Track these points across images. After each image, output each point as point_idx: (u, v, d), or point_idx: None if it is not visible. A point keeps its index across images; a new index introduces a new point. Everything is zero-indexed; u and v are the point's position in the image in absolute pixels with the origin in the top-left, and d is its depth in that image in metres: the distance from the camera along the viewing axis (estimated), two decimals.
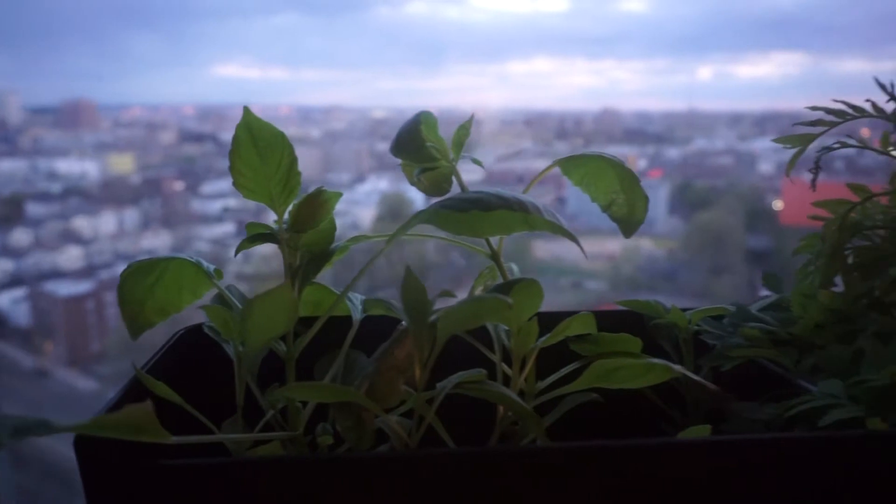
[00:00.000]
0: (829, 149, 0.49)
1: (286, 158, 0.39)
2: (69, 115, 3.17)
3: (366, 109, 3.72)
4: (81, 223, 3.19)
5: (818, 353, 0.43)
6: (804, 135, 0.47)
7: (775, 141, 0.48)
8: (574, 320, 0.45)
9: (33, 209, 3.01)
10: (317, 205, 0.41)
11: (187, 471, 0.30)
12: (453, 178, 0.46)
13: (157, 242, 3.29)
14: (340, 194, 0.43)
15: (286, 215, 0.41)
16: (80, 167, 3.24)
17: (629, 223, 0.50)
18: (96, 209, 3.14)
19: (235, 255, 0.43)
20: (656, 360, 0.37)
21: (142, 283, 0.43)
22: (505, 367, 0.44)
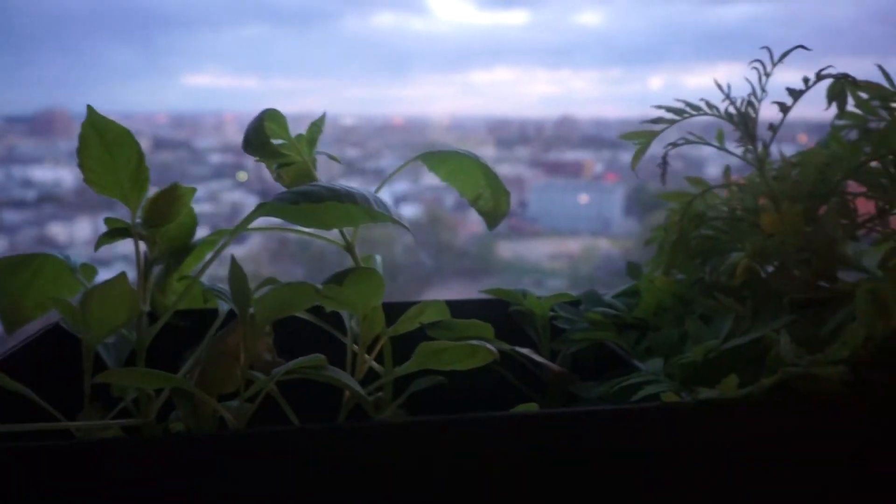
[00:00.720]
0: (673, 144, 0.52)
1: (134, 154, 0.42)
2: (43, 124, 3.18)
3: (335, 117, 3.75)
4: (56, 230, 3.20)
5: (650, 335, 0.46)
6: (647, 132, 0.50)
7: (621, 137, 0.51)
8: (428, 307, 0.48)
9: (8, 216, 3.02)
10: (171, 199, 0.44)
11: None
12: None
13: (132, 248, 3.28)
14: (195, 189, 0.46)
15: (140, 210, 0.44)
16: (55, 175, 3.25)
17: (494, 216, 0.53)
18: (71, 216, 3.15)
19: (95, 249, 0.46)
20: (479, 343, 0.40)
21: (16, 280, 0.46)
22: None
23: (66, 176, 3.13)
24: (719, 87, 0.51)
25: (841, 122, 0.54)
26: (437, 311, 0.48)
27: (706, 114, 0.51)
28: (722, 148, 0.52)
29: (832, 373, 0.35)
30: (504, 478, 0.35)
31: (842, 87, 0.50)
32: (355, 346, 0.46)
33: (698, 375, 0.40)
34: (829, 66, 0.49)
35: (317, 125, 0.47)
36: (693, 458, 0.36)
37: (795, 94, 0.50)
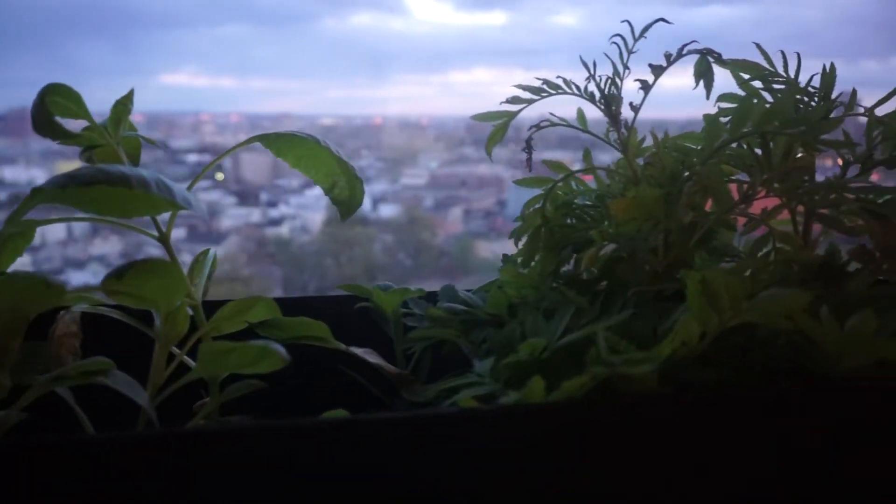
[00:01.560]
0: (537, 127, 0.48)
1: None
2: (16, 124, 3.15)
3: (315, 117, 3.74)
4: None
5: (491, 332, 0.42)
6: (502, 111, 0.46)
7: (473, 118, 0.47)
8: (254, 304, 0.44)
9: None
10: None
11: None
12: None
13: (108, 248, 3.27)
14: None
15: None
16: (28, 175, 3.21)
17: (350, 206, 0.50)
18: (44, 217, 3.11)
19: None
20: (269, 345, 0.36)
21: None
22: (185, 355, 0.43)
23: (39, 176, 3.10)
24: (585, 65, 0.47)
25: (726, 105, 0.50)
26: (265, 309, 0.44)
27: (566, 93, 0.47)
28: (586, 130, 0.48)
29: (642, 373, 0.32)
30: (285, 489, 0.32)
31: (707, 63, 0.46)
32: (176, 349, 0.43)
33: (526, 376, 0.37)
34: (693, 42, 0.46)
35: (122, 104, 0.44)
36: (489, 469, 0.32)
37: (657, 71, 0.46)
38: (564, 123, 0.48)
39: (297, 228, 3.82)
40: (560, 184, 0.47)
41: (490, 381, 0.37)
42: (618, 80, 0.46)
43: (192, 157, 4.20)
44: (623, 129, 0.46)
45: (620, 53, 0.46)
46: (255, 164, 3.78)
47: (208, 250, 0.49)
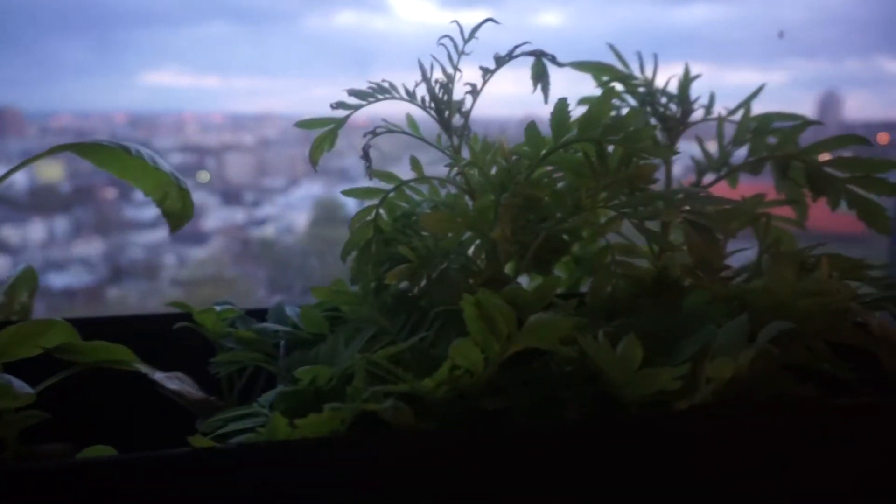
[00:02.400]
0: (373, 133, 0.46)
1: None
2: None
3: (298, 116, 3.69)
4: (9, 232, 3.17)
5: (294, 355, 0.40)
6: (328, 118, 0.44)
7: (296, 125, 0.45)
8: (49, 328, 0.41)
9: None
10: None
11: None
12: None
13: (90, 250, 3.27)
14: None
15: None
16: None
17: (181, 218, 0.48)
18: (25, 218, 3.12)
19: None
20: (14, 383, 0.34)
21: None
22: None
23: (18, 177, 3.09)
24: (421, 67, 0.44)
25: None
26: (62, 333, 0.42)
27: (397, 97, 0.45)
28: (420, 137, 0.45)
29: (382, 409, 0.29)
30: None
31: (543, 66, 0.43)
32: None
33: (307, 407, 0.34)
34: (526, 43, 0.43)
35: None
36: None
37: (486, 73, 0.43)
38: (398, 129, 0.45)
39: (283, 229, 3.81)
40: (392, 194, 0.44)
41: (265, 413, 0.34)
42: (452, 84, 0.43)
43: (176, 158, 4.17)
44: (456, 136, 0.44)
45: (450, 56, 0.43)
46: (240, 164, 3.77)
47: (29, 267, 0.46)
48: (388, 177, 0.44)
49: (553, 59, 0.43)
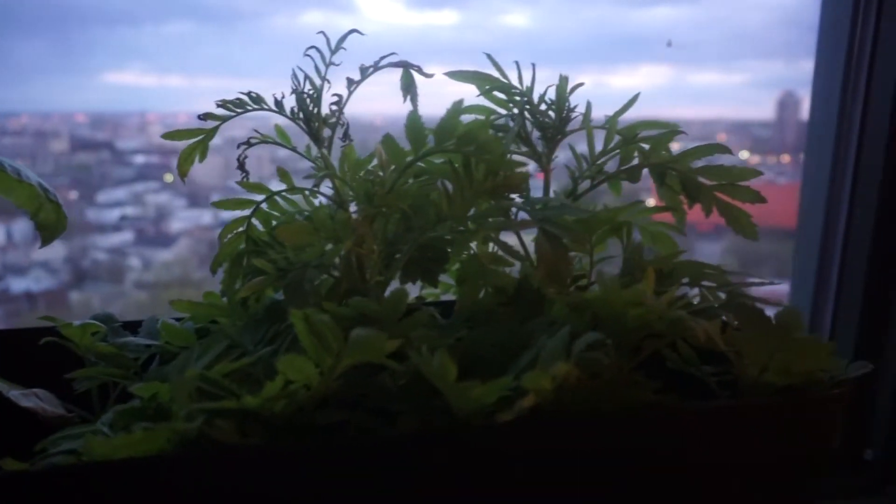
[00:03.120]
0: (248, 144, 0.45)
1: None
2: None
3: (265, 117, 3.66)
4: None
5: (151, 371, 0.40)
6: (196, 129, 0.44)
7: (163, 137, 0.44)
8: None
9: None
10: None
11: None
12: None
13: (51, 253, 3.22)
14: None
15: None
16: None
17: (55, 231, 0.47)
18: None
19: None
20: None
21: None
22: None
23: None
24: (295, 77, 0.44)
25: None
26: None
27: (267, 109, 0.44)
28: (290, 147, 0.45)
29: (186, 429, 0.29)
30: None
31: (410, 77, 0.43)
32: None
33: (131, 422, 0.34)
34: (392, 54, 0.43)
35: None
36: None
37: (352, 84, 0.43)
38: (270, 140, 0.45)
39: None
40: (266, 205, 0.44)
41: (105, 431, 0.34)
42: (320, 95, 0.43)
43: (140, 159, 4.12)
44: (325, 147, 0.44)
45: (317, 68, 0.43)
46: (205, 165, 3.72)
47: None
48: (257, 188, 0.44)
49: (420, 70, 0.43)
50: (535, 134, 0.49)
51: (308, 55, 0.43)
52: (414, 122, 0.39)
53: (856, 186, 0.77)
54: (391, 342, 0.31)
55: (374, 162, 0.43)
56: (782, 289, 0.90)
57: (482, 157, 0.38)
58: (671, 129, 0.46)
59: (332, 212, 0.44)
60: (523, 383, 0.29)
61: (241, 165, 0.45)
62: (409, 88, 0.43)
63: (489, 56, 0.48)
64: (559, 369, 0.29)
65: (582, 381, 0.33)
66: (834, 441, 0.38)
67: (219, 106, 0.44)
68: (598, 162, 0.47)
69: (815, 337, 0.36)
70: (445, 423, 0.33)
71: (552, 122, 0.47)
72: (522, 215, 0.40)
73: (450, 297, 0.53)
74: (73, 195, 3.56)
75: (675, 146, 0.47)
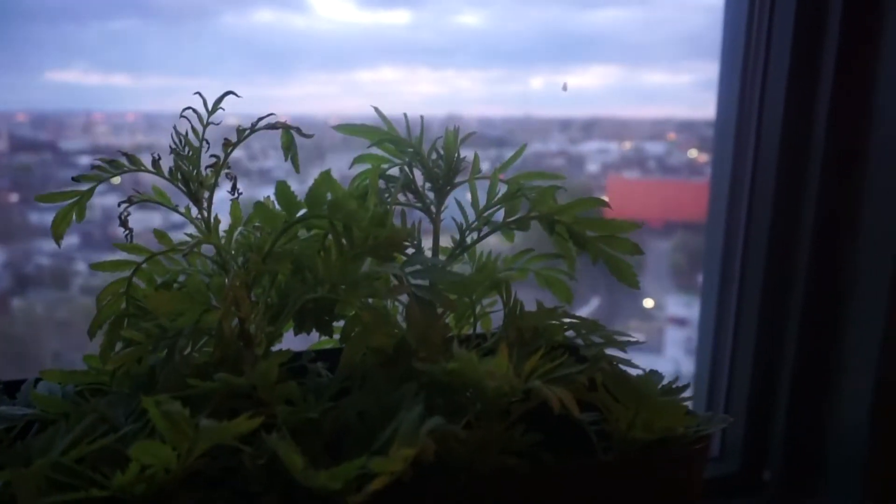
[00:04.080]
0: (129, 202, 0.45)
1: None
2: None
3: (218, 116, 3.61)
4: None
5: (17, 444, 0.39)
6: (69, 192, 0.43)
7: (36, 199, 0.44)
8: None
9: None
10: None
11: None
12: None
13: None
14: None
15: None
16: None
17: None
18: None
19: None
20: None
21: None
22: None
23: None
24: (175, 136, 0.44)
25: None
26: None
27: (144, 170, 0.44)
28: (171, 207, 0.45)
29: None
30: None
31: (290, 138, 0.43)
32: None
33: None
34: (270, 115, 0.43)
35: None
36: None
37: (229, 146, 0.43)
38: (151, 199, 0.45)
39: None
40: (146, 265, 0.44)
41: None
42: (198, 157, 0.43)
43: (85, 160, 4.02)
44: (205, 208, 0.44)
45: (195, 129, 0.43)
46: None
47: None
48: (135, 249, 0.44)
49: (298, 131, 0.43)
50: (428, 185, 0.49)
51: (184, 116, 0.43)
52: (283, 190, 0.39)
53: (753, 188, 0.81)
54: (248, 423, 0.31)
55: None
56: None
57: (353, 223, 0.38)
58: (555, 182, 0.47)
59: (212, 271, 0.44)
60: (372, 466, 0.30)
61: (124, 223, 0.45)
62: (289, 149, 0.43)
63: (377, 109, 0.48)
64: (405, 454, 0.29)
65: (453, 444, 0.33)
66: (698, 494, 0.40)
67: (93, 168, 0.43)
68: (485, 214, 0.47)
69: (671, 399, 0.38)
70: (306, 501, 0.33)
71: (441, 172, 0.48)
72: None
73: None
74: (14, 198, 3.46)
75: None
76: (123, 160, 0.43)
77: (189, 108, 0.43)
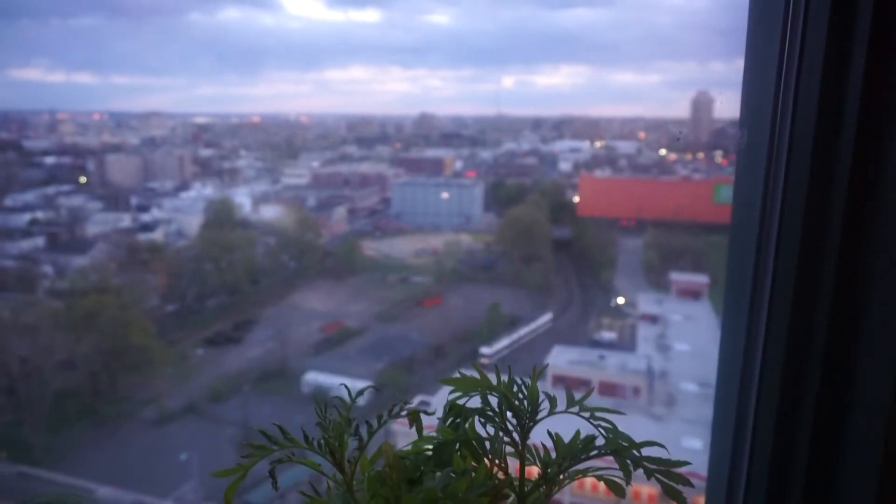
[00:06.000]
0: (278, 461, 0.48)
1: None
2: None
3: (186, 115, 3.58)
4: None
5: None
6: (238, 467, 0.48)
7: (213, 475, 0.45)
8: None
9: None
10: None
11: None
12: None
13: None
14: None
15: None
16: None
17: None
18: None
19: None
20: None
21: None
22: None
23: None
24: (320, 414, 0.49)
25: None
26: None
27: (302, 447, 0.50)
28: (317, 468, 0.50)
29: None
30: None
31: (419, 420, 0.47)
32: None
33: None
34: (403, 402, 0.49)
35: None
36: None
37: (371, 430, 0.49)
38: (297, 460, 0.48)
39: (173, 233, 3.67)
40: None
41: None
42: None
43: (51, 160, 3.96)
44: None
45: (339, 411, 0.47)
46: (123, 166, 3.61)
47: None
48: None
49: (425, 412, 0.48)
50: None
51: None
52: None
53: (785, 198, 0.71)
54: None
55: None
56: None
57: None
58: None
59: None
60: None
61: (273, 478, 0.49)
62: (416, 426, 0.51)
63: (476, 365, 0.54)
64: None
65: None
66: None
67: (252, 447, 0.47)
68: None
69: None
70: None
71: (525, 409, 0.54)
72: None
73: None
74: None
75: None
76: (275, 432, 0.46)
77: None
